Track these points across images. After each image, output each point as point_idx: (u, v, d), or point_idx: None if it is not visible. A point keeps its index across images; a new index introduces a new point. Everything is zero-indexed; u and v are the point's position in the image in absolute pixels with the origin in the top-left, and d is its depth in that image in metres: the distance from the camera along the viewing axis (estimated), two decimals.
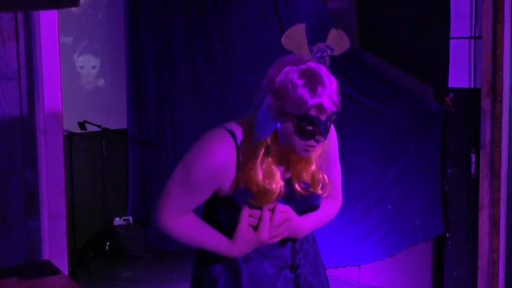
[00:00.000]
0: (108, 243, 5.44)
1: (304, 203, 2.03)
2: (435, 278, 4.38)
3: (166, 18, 5.57)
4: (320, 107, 1.81)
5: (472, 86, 4.02)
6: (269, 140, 1.90)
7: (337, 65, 4.60)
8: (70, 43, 5.50)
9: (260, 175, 1.90)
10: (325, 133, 1.85)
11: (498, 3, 3.78)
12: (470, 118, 4.06)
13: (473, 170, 4.05)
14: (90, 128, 5.37)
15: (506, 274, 4.01)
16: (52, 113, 2.44)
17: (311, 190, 2.01)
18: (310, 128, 1.83)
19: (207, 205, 2.05)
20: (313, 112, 1.82)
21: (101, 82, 5.77)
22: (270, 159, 1.92)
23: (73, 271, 4.84)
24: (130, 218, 5.67)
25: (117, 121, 5.80)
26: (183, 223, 2.03)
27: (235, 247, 1.98)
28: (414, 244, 4.40)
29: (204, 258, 2.15)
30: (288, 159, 1.98)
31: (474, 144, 4.04)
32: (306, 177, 2.00)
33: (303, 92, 1.80)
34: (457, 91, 4.11)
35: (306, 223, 2.08)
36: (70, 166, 5.15)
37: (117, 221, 5.59)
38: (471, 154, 4.06)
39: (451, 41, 4.09)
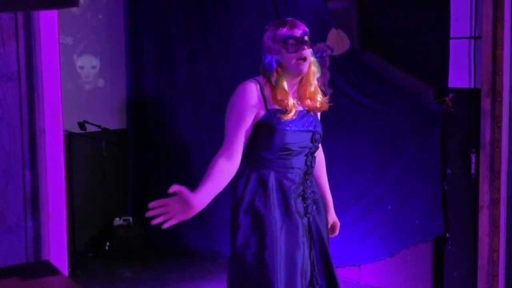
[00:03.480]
0: (108, 243, 5.44)
1: (312, 130, 2.88)
2: (435, 278, 4.38)
3: (166, 18, 5.57)
4: (291, 29, 2.79)
5: (472, 86, 4.02)
6: (279, 71, 2.81)
7: (337, 65, 4.60)
8: (70, 43, 5.50)
9: (289, 97, 2.81)
10: (304, 42, 2.78)
11: (498, 3, 3.78)
12: (470, 118, 4.06)
13: (473, 170, 4.05)
14: (90, 128, 5.37)
15: (506, 274, 4.01)
16: (52, 113, 2.44)
17: (316, 104, 2.89)
18: (291, 41, 2.78)
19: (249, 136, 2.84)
20: (289, 33, 2.79)
21: (101, 82, 5.77)
22: (283, 85, 2.81)
23: (73, 271, 4.84)
24: (130, 218, 5.67)
25: (117, 121, 5.80)
26: (221, 164, 2.77)
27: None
28: (414, 244, 4.40)
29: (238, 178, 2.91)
30: (296, 89, 2.89)
31: (474, 144, 4.03)
32: (309, 95, 2.89)
33: (278, 28, 2.82)
34: (457, 91, 4.11)
35: None
36: (70, 166, 5.15)
37: (117, 221, 5.59)
38: (471, 154, 4.06)
39: (451, 41, 4.09)
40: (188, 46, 5.47)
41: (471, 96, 4.03)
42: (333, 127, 4.67)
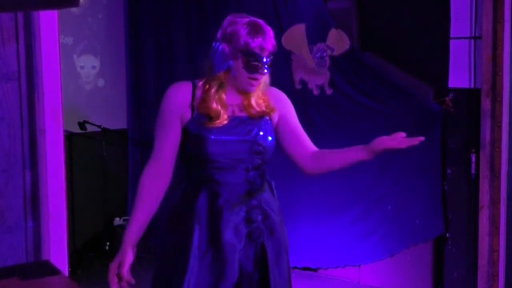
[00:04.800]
0: (108, 243, 5.44)
1: (250, 140, 2.47)
2: (435, 278, 4.38)
3: (166, 18, 5.56)
4: (261, 48, 2.41)
5: (472, 86, 4.02)
6: (223, 78, 2.47)
7: (337, 65, 4.60)
8: (70, 43, 5.50)
9: (213, 102, 2.45)
10: (266, 67, 2.43)
11: (498, 3, 3.78)
12: (470, 118, 4.06)
13: (473, 170, 4.05)
14: (90, 128, 5.37)
15: (506, 274, 4.01)
16: (52, 113, 2.44)
17: (257, 109, 2.50)
18: (255, 63, 2.41)
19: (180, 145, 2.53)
20: (257, 51, 2.41)
21: (101, 82, 5.77)
22: (223, 93, 2.48)
23: (73, 271, 4.84)
24: None
25: (117, 121, 5.80)
26: (152, 178, 2.58)
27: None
28: (414, 244, 4.40)
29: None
30: (240, 96, 2.51)
31: (474, 144, 4.03)
32: (253, 103, 2.51)
33: (248, 38, 2.41)
34: (457, 91, 4.11)
35: None
36: (70, 166, 5.15)
37: (117, 221, 5.59)
38: (471, 154, 4.06)
39: (451, 41, 4.09)
40: (188, 46, 5.47)
41: (471, 96, 4.03)
42: (333, 127, 4.67)
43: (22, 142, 2.43)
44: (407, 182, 4.38)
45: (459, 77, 4.08)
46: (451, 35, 4.08)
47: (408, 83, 4.40)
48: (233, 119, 2.47)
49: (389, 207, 4.47)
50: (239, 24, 2.47)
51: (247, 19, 2.49)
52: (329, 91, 4.67)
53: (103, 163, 5.45)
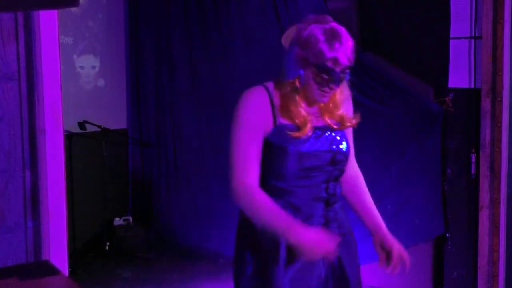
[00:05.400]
0: (108, 243, 5.44)
1: (333, 150, 2.33)
2: (435, 278, 4.38)
3: (166, 18, 5.57)
4: (335, 61, 2.18)
5: (472, 86, 4.02)
6: (297, 84, 2.27)
7: None
8: (70, 43, 5.50)
9: (299, 108, 2.27)
10: (338, 82, 2.23)
11: (498, 3, 3.78)
12: (470, 118, 4.06)
13: (473, 170, 4.05)
14: (90, 128, 5.37)
15: (506, 274, 4.01)
16: (52, 113, 2.44)
17: (341, 125, 2.36)
18: (326, 76, 2.20)
19: None
20: (329, 64, 2.18)
21: (101, 82, 5.77)
22: (299, 98, 2.28)
23: (73, 271, 4.84)
24: (130, 218, 5.67)
25: (117, 121, 5.80)
26: (257, 192, 2.24)
27: (295, 230, 2.15)
28: (414, 244, 4.40)
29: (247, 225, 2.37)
30: (314, 104, 2.33)
31: (474, 144, 4.03)
32: (336, 116, 2.35)
33: (323, 46, 2.18)
34: (457, 91, 4.11)
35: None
36: (70, 166, 5.15)
37: (117, 221, 5.59)
38: (471, 154, 4.06)
39: (451, 41, 4.09)
40: (188, 46, 5.47)
41: (471, 96, 4.03)
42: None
43: (22, 142, 2.43)
44: (407, 182, 4.38)
45: (459, 77, 4.08)
46: (451, 35, 4.08)
47: (408, 83, 4.40)
48: (316, 128, 2.32)
49: (389, 207, 4.46)
50: (316, 30, 2.21)
51: (327, 26, 2.22)
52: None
53: (103, 163, 5.45)
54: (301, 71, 2.24)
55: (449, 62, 4.10)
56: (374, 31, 4.63)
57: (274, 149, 2.27)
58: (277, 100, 2.30)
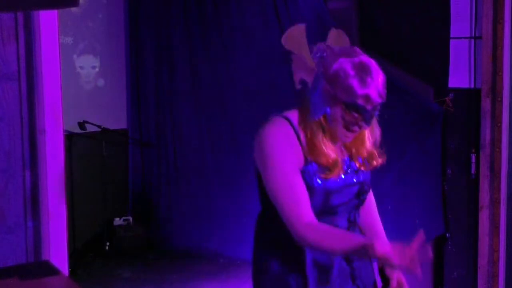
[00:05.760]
0: (108, 243, 5.44)
1: (360, 182, 2.22)
2: (435, 278, 4.38)
3: (166, 18, 5.57)
4: (367, 98, 2.01)
5: (472, 86, 4.02)
6: (323, 121, 2.10)
7: None
8: (70, 43, 5.50)
9: (330, 151, 2.10)
10: (369, 121, 2.06)
11: (498, 3, 3.78)
12: (470, 118, 4.06)
13: (473, 170, 4.05)
14: (90, 128, 5.37)
15: (506, 274, 4.01)
16: (52, 113, 2.44)
17: (368, 165, 2.23)
18: (356, 115, 2.03)
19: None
20: (360, 101, 2.01)
21: (101, 82, 5.77)
22: (326, 137, 2.11)
23: (73, 271, 4.84)
24: (130, 218, 5.67)
25: (117, 121, 5.80)
26: (319, 224, 2.08)
27: (376, 245, 2.01)
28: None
29: (265, 245, 2.25)
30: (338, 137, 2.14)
31: (474, 144, 4.03)
32: (363, 153, 2.21)
33: (354, 82, 2.01)
34: (457, 91, 4.11)
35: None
36: (70, 166, 5.15)
37: (117, 221, 5.59)
38: (471, 154, 4.06)
39: (451, 41, 4.09)
40: (188, 46, 5.47)
41: (471, 96, 4.03)
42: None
43: (22, 142, 2.43)
44: (407, 182, 4.38)
45: (459, 77, 4.08)
46: (451, 35, 4.08)
47: (408, 83, 4.40)
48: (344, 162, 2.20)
49: (389, 207, 4.46)
50: (346, 63, 2.06)
51: (356, 59, 2.06)
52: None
53: (103, 163, 5.45)
54: (328, 109, 2.07)
55: (449, 62, 4.10)
56: (374, 31, 4.63)
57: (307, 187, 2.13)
58: (302, 136, 2.12)
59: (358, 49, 2.14)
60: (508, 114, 3.91)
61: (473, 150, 4.04)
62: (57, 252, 2.48)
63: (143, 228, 5.65)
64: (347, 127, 2.07)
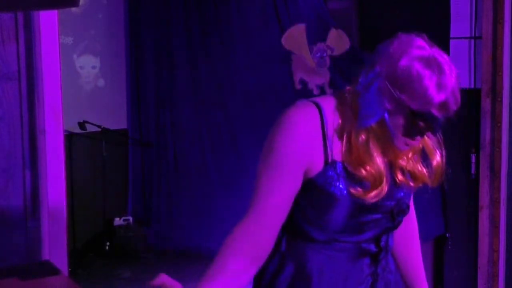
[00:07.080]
0: (108, 243, 5.44)
1: (402, 201, 1.81)
2: (435, 278, 4.38)
3: (166, 18, 5.57)
4: (444, 106, 1.58)
5: (472, 86, 4.02)
6: (377, 130, 1.64)
7: (337, 65, 4.60)
8: (70, 43, 5.50)
9: (378, 163, 1.65)
10: (437, 131, 1.72)
11: (498, 3, 3.78)
12: (470, 118, 4.06)
13: (473, 170, 4.05)
14: (90, 128, 5.37)
15: (506, 274, 4.01)
16: (52, 113, 2.44)
17: (412, 183, 1.82)
18: (422, 124, 1.61)
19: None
20: (435, 111, 1.58)
21: (101, 82, 5.77)
22: (372, 143, 1.65)
23: (73, 271, 4.84)
24: (130, 218, 5.67)
25: (117, 121, 5.80)
26: (239, 246, 1.78)
27: None
28: None
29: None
30: (388, 146, 1.68)
31: (474, 144, 4.03)
32: (408, 167, 1.80)
33: (429, 86, 1.54)
34: None
35: None
36: (70, 166, 5.15)
37: (117, 221, 5.59)
38: (471, 154, 4.05)
39: (451, 41, 4.09)
40: (188, 46, 5.47)
41: (471, 96, 4.03)
42: None
43: (22, 142, 2.43)
44: None
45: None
46: (451, 35, 4.08)
47: None
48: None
49: None
50: (416, 60, 1.57)
51: (428, 54, 1.58)
52: (329, 91, 4.67)
53: (103, 163, 5.45)
54: (386, 114, 1.60)
55: None
56: (374, 31, 4.63)
57: (319, 194, 1.67)
58: (332, 131, 1.66)
59: (425, 37, 1.66)
60: (508, 114, 3.91)
61: (473, 150, 4.04)
62: (57, 252, 2.48)
63: (143, 228, 5.65)
64: (409, 136, 1.65)
